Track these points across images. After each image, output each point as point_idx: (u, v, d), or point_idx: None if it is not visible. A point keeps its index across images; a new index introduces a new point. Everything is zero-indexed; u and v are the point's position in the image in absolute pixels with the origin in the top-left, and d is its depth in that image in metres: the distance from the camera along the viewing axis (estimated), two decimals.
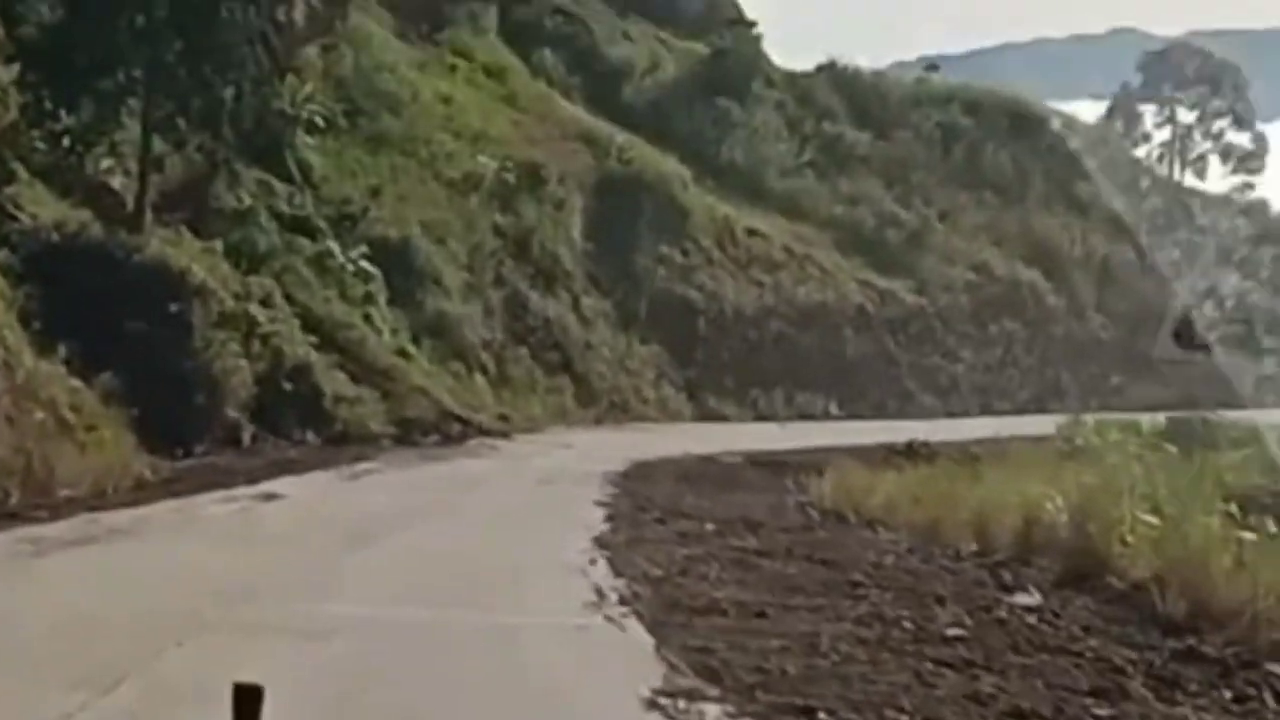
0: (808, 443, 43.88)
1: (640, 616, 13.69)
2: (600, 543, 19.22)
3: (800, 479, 34.07)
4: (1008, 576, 16.01)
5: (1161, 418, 47.90)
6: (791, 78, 69.69)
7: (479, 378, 45.07)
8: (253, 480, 26.82)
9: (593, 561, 17.39)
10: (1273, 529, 13.32)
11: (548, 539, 20.13)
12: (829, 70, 71.73)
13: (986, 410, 60.11)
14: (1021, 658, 11.97)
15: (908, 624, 13.36)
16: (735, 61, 65.21)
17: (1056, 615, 13.85)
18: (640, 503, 25.32)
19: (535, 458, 36.99)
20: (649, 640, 12.68)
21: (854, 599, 14.63)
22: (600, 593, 14.95)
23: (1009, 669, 11.51)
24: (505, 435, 41.37)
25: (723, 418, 53.50)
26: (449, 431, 40.10)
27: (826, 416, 55.69)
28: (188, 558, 17.39)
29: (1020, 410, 60.80)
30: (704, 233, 57.86)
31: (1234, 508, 14.30)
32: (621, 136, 57.86)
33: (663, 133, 60.24)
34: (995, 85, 76.91)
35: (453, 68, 55.94)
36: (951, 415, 58.25)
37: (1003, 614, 13.86)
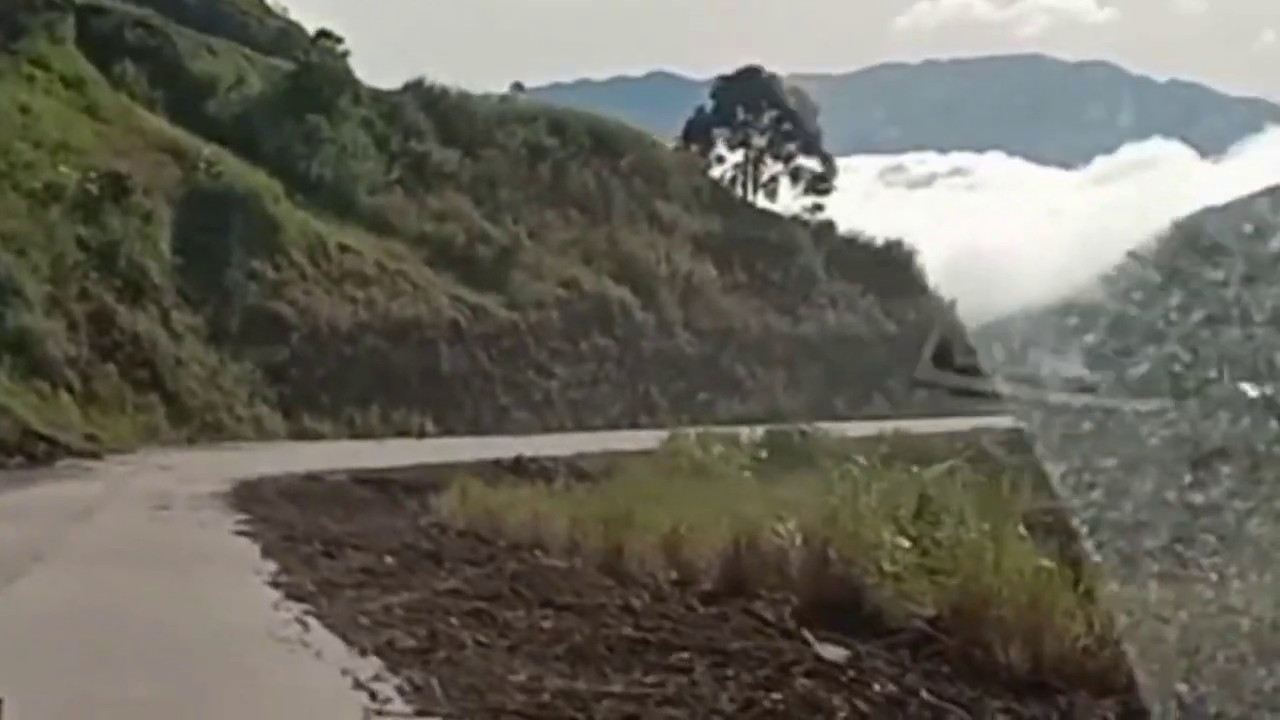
0: (410, 459, 42.89)
1: None
2: (286, 591, 15.27)
3: (425, 499, 33.09)
4: (771, 617, 13.11)
5: (760, 431, 48.42)
6: (378, 95, 68.43)
7: (64, 396, 42.45)
8: None
9: (303, 625, 13.13)
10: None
11: (218, 588, 16.03)
12: (415, 89, 70.81)
13: (580, 425, 59.95)
14: None
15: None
16: (322, 77, 63.62)
17: (865, 674, 10.76)
18: (285, 532, 22.65)
19: (135, 480, 34.80)
20: None
21: (680, 672, 10.99)
22: (366, 689, 10.30)
23: None
24: (95, 456, 38.99)
25: (318, 436, 51.86)
26: (34, 452, 37.55)
27: (422, 434, 54.61)
28: None
29: (613, 425, 60.86)
30: (296, 248, 56.15)
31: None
32: (209, 150, 55.69)
33: (251, 147, 58.35)
34: (577, 107, 77.29)
35: (30, 77, 52.80)
36: (547, 430, 57.88)
37: (879, 686, 10.30)
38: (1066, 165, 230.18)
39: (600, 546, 18.58)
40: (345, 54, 65.95)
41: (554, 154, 71.24)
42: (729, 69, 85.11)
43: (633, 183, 73.83)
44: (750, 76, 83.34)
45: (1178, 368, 7.72)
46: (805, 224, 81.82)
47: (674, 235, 72.73)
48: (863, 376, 74.23)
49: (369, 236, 60.24)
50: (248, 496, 31.51)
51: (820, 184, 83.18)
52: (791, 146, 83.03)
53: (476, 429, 56.54)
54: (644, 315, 66.63)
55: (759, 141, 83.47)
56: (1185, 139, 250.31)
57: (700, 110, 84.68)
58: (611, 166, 73.24)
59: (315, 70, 63.71)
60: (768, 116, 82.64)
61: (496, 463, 40.78)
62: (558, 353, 62.17)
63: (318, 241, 57.27)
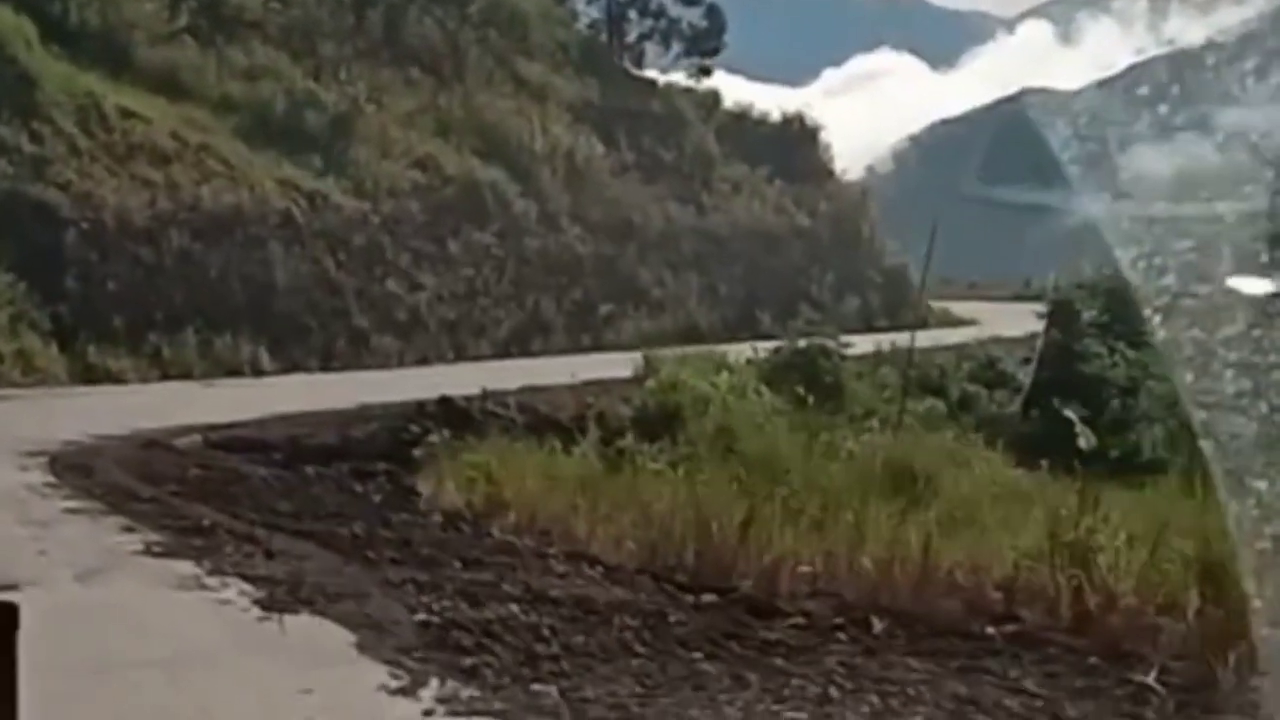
0: (268, 409, 31.77)
1: None
2: None
3: (369, 476, 22.01)
4: None
5: (750, 350, 38.54)
6: None
7: None
8: None
9: None
10: None
11: None
12: None
13: (461, 354, 47.52)
14: None
15: None
16: None
17: None
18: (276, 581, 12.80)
19: None
20: None
21: None
22: None
23: None
24: None
25: (115, 376, 38.48)
26: None
27: (258, 370, 41.53)
28: None
29: (502, 352, 48.68)
30: (61, 111, 42.18)
31: None
32: None
33: None
34: None
35: None
36: (423, 361, 45.40)
37: None
38: (790, 81, 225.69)
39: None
40: None
41: None
42: None
43: (486, 35, 60.62)
44: None
45: None
46: (689, 92, 69.66)
47: (546, 102, 59.79)
48: (783, 280, 62.94)
49: (157, 100, 46.43)
50: (95, 485, 19.83)
51: (706, 42, 71.01)
52: None
53: (327, 362, 43.71)
54: (523, 204, 53.83)
55: None
56: (913, 50, 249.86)
57: None
58: (459, 14, 59.76)
59: None
60: None
61: (420, 407, 29.05)
62: (422, 255, 49.08)
63: (90, 102, 43.34)
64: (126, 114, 44.34)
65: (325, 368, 43.00)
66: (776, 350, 37.04)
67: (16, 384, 35.91)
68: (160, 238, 41.65)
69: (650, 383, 31.61)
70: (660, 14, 71.32)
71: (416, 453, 23.76)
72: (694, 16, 71.37)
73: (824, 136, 73.12)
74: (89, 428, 27.63)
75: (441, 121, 54.59)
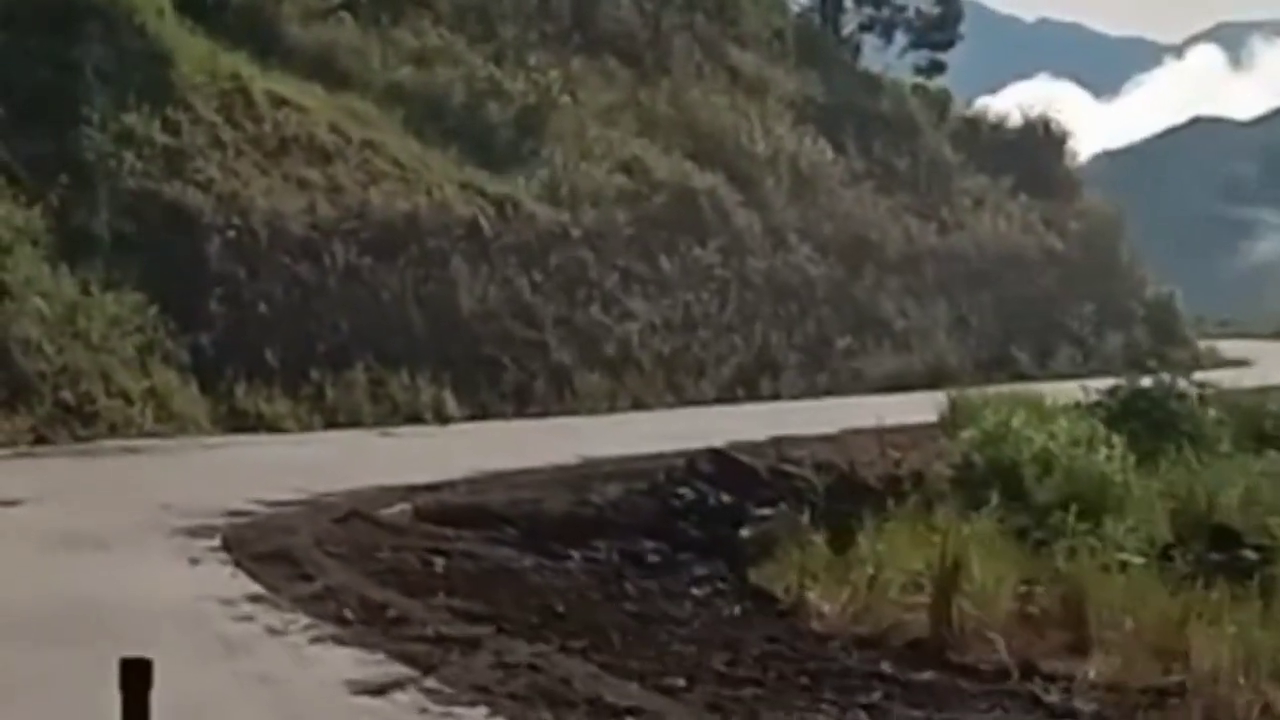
0: (468, 465, 26.95)
1: None
2: None
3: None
4: None
5: (1077, 389, 32.56)
6: None
7: None
8: None
9: None
10: None
11: None
12: None
13: (681, 396, 41.11)
14: None
15: None
16: None
17: None
18: None
19: None
20: None
21: None
22: None
23: None
24: None
25: (269, 424, 32.36)
26: None
27: (442, 416, 35.29)
28: None
29: (726, 395, 42.30)
30: (202, 95, 36.22)
31: None
32: None
33: None
34: None
35: None
36: (640, 406, 39.07)
37: None
38: None
39: None
40: None
41: None
42: None
43: (692, 19, 54.20)
44: None
45: None
46: (920, 90, 62.91)
47: (765, 98, 53.24)
48: (1037, 311, 56.21)
49: (311, 86, 40.50)
50: (327, 596, 13.95)
51: (938, 33, 64.39)
52: None
53: (523, 405, 37.45)
54: (745, 216, 47.29)
55: None
56: (1074, 78, 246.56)
57: None
58: None
59: None
60: None
61: (690, 464, 23.81)
62: (632, 276, 42.64)
63: (235, 86, 37.41)
64: (278, 101, 38.37)
65: (521, 412, 36.83)
66: (1112, 391, 30.74)
67: (149, 433, 29.93)
68: (321, 250, 35.49)
69: (969, 432, 25.53)
70: (883, 1, 64.64)
71: (744, 532, 18.22)
72: (925, 3, 64.74)
73: (1073, 145, 66.47)
74: (253, 491, 22.59)
75: (646, 119, 48.22)
